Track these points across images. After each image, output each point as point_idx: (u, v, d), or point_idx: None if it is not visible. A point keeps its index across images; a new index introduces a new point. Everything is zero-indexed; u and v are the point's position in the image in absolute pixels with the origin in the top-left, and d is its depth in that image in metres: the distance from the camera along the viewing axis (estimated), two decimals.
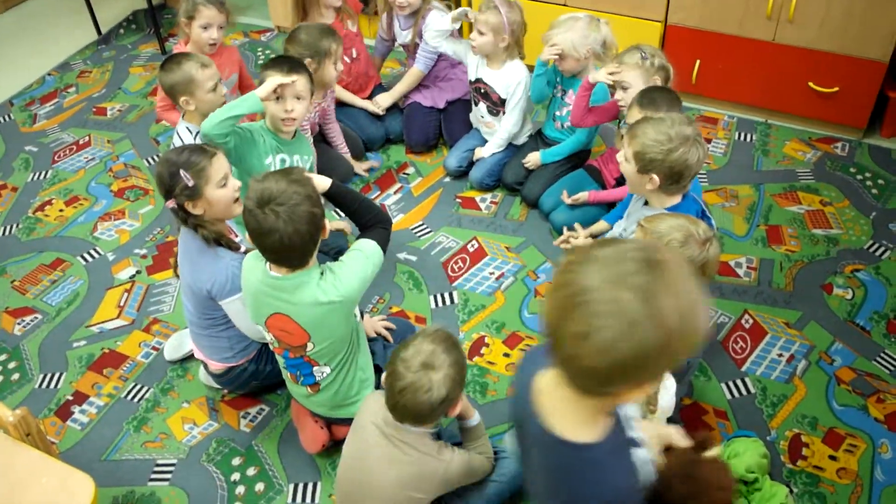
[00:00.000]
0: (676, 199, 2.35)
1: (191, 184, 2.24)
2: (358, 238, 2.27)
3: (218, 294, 2.32)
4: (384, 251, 2.24)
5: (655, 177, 2.28)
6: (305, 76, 2.73)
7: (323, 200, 2.15)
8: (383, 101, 3.72)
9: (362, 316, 2.68)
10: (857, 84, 3.50)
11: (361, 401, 2.30)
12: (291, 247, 2.00)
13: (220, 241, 2.32)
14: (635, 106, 2.62)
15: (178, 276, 2.53)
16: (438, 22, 3.41)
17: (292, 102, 2.72)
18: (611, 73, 2.85)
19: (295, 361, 2.26)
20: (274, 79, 2.65)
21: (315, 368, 2.25)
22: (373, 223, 2.31)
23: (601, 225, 2.97)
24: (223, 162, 2.33)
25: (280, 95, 2.69)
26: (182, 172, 2.23)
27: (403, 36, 3.64)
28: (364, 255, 2.17)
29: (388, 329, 2.66)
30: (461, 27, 3.40)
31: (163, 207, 3.49)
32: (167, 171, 2.25)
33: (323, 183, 2.31)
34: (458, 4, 4.36)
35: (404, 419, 1.95)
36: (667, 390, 2.00)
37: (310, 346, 2.18)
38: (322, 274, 2.11)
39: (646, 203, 2.43)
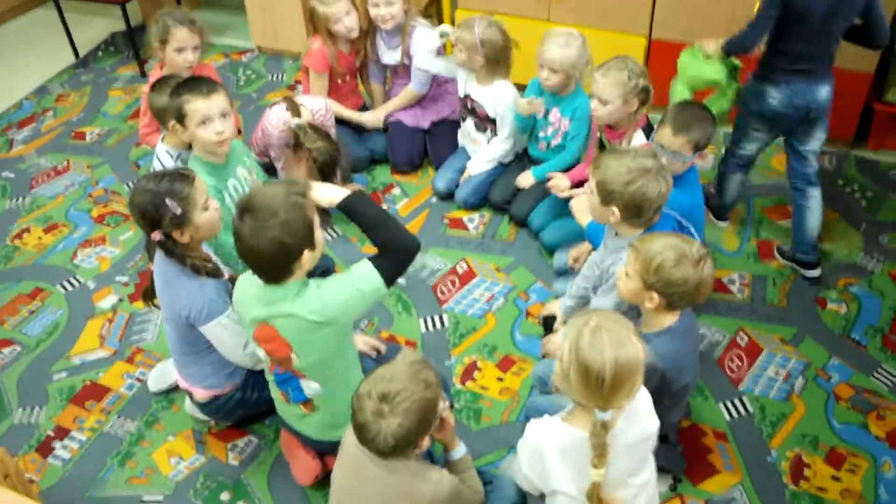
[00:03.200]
0: (640, 230, 2.31)
1: (178, 212, 2.18)
2: (366, 258, 2.08)
3: (196, 320, 2.26)
4: (392, 279, 2.05)
5: (616, 210, 2.25)
6: (222, 91, 2.65)
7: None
8: (374, 116, 3.66)
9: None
10: (842, 96, 3.44)
11: None
12: (255, 261, 1.99)
13: (205, 268, 2.26)
14: (667, 126, 2.53)
15: (149, 305, 2.47)
16: (426, 40, 3.38)
17: (221, 122, 2.62)
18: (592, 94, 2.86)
19: (283, 377, 2.20)
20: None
21: (302, 382, 2.18)
22: (386, 246, 2.07)
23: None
24: (203, 185, 2.29)
25: (206, 119, 2.59)
26: (168, 201, 2.17)
27: (389, 55, 3.59)
28: (351, 280, 2.04)
29: (376, 350, 2.61)
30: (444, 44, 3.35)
31: (143, 234, 3.41)
32: (151, 202, 2.18)
33: (333, 196, 2.12)
34: (440, 20, 4.33)
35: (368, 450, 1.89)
36: None
37: (294, 358, 2.12)
38: (297, 291, 2.03)
39: (616, 233, 2.40)
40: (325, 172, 3.05)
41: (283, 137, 3.17)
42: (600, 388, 1.69)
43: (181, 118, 2.62)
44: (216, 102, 2.60)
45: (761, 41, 2.71)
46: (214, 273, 2.30)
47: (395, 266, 2.08)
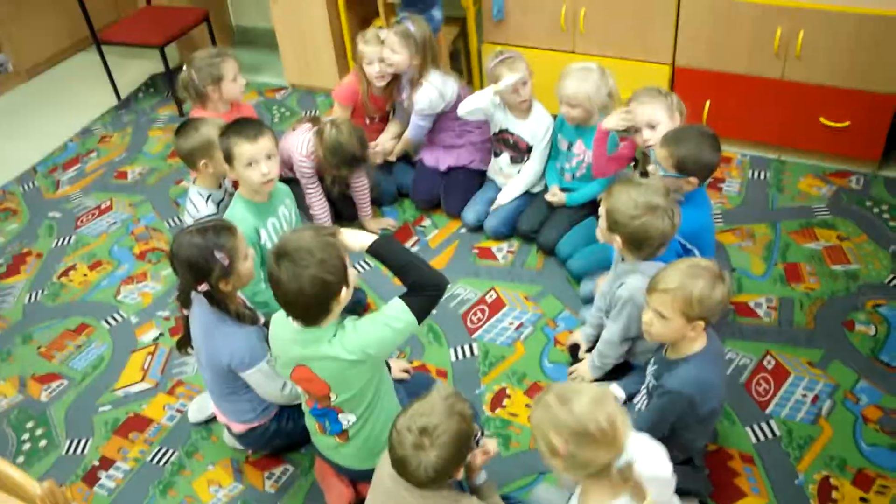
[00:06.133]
0: (643, 258, 2.38)
1: (226, 263, 2.26)
2: (398, 297, 2.13)
3: (238, 367, 2.35)
4: (422, 316, 2.11)
5: (618, 238, 2.34)
6: (269, 134, 2.75)
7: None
8: (389, 142, 3.81)
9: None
10: (868, 117, 3.50)
11: None
12: (296, 304, 2.04)
13: (245, 315, 2.35)
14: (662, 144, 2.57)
15: (183, 353, 2.57)
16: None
17: (267, 164, 2.72)
18: (623, 119, 2.87)
19: (322, 411, 2.27)
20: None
21: (340, 415, 2.25)
22: (416, 285, 2.13)
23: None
24: (243, 235, 2.37)
25: (253, 161, 2.69)
26: (217, 254, 2.24)
27: (404, 101, 3.75)
28: (385, 319, 2.09)
29: (406, 372, 2.74)
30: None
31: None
32: (200, 256, 2.24)
33: (362, 241, 2.19)
34: (467, 53, 4.42)
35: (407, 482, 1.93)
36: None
37: (332, 396, 2.19)
38: (335, 333, 2.10)
39: (623, 259, 2.45)
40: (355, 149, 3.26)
41: (314, 163, 3.35)
42: (608, 436, 1.67)
43: (230, 159, 2.73)
44: (262, 145, 2.70)
45: None
46: (254, 320, 2.39)
47: (424, 304, 2.13)
